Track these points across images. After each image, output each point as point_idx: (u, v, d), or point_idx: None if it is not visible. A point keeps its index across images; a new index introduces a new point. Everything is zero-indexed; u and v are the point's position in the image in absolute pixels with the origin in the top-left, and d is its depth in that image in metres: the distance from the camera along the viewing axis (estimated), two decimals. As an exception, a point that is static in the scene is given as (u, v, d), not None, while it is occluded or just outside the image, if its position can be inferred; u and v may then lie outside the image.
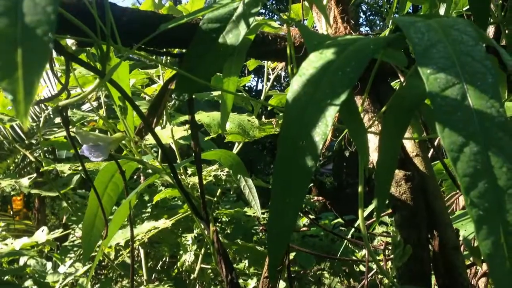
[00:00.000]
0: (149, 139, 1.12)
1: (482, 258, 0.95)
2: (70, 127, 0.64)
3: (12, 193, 1.84)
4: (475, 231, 0.35)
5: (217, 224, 2.24)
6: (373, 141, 0.80)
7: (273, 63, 1.41)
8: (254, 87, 11.97)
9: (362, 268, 2.58)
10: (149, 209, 1.90)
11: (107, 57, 0.56)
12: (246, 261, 2.11)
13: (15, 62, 0.24)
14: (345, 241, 2.06)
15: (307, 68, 0.47)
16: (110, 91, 0.72)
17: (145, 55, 0.72)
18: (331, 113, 0.42)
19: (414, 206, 0.75)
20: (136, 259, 1.93)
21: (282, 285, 1.92)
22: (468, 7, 0.95)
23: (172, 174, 0.70)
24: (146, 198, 1.96)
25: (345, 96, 0.43)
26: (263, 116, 1.51)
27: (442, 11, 0.88)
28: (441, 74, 0.39)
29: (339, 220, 2.58)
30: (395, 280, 0.76)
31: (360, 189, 0.61)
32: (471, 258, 1.02)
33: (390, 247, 0.81)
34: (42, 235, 1.68)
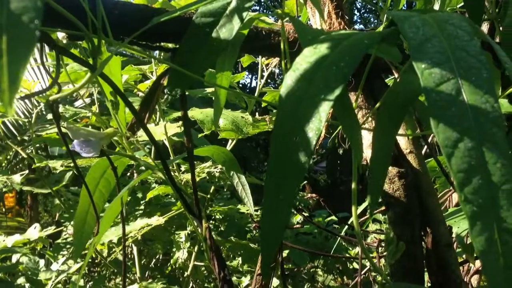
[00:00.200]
0: (142, 135, 1.11)
1: (475, 255, 0.95)
2: (61, 122, 0.63)
3: (4, 190, 1.82)
4: (469, 227, 0.34)
5: (211, 221, 2.23)
6: (367, 138, 0.79)
7: (267, 59, 1.40)
8: (248, 85, 11.98)
9: (356, 265, 2.59)
10: (142, 206, 1.89)
11: (98, 51, 0.55)
12: (240, 259, 2.11)
13: (0, 49, 0.24)
14: (339, 238, 2.07)
15: (301, 63, 0.46)
16: (102, 86, 0.71)
17: (139, 51, 0.72)
18: (325, 109, 0.42)
19: (408, 203, 0.75)
20: (129, 256, 1.92)
21: (276, 283, 1.92)
22: (462, 3, 0.95)
23: (164, 171, 0.69)
24: (139, 195, 1.95)
25: (339, 91, 0.42)
26: (257, 113, 1.50)
27: (436, 7, 0.88)
28: (435, 69, 0.39)
29: (333, 217, 2.59)
30: (388, 277, 0.76)
31: (353, 186, 0.61)
32: (464, 255, 1.03)
33: (383, 245, 0.81)
34: (34, 232, 1.67)
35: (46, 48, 0.98)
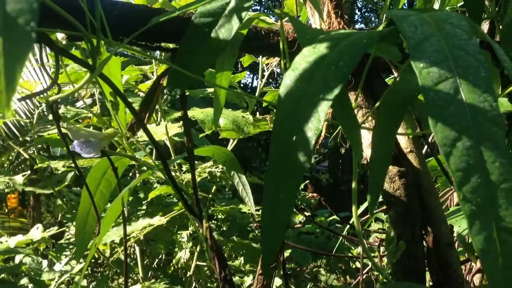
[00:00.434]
0: (143, 135, 1.11)
1: (476, 254, 0.95)
2: (62, 122, 0.63)
3: (7, 190, 1.83)
4: (467, 227, 0.34)
5: (213, 221, 2.24)
6: (366, 137, 0.79)
7: (267, 59, 1.40)
8: (250, 84, 11.97)
9: (358, 264, 2.58)
10: (144, 206, 1.89)
11: (97, 52, 0.55)
12: (242, 258, 2.11)
13: (-3, 52, 0.24)
14: (341, 238, 2.06)
15: (300, 63, 0.46)
16: (101, 86, 0.71)
17: (139, 51, 0.72)
18: (323, 108, 0.42)
19: (408, 202, 0.75)
20: (132, 256, 1.92)
21: (279, 282, 1.92)
22: (462, 2, 0.95)
23: (165, 171, 0.70)
24: (141, 195, 1.95)
25: (338, 90, 0.42)
26: (258, 113, 1.50)
27: (436, 6, 0.87)
28: (434, 68, 0.39)
29: (335, 217, 2.59)
30: (390, 276, 0.76)
31: (354, 185, 0.61)
32: (465, 254, 1.02)
33: (384, 244, 0.81)
34: (37, 232, 1.67)
35: (47, 49, 0.98)
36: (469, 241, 0.94)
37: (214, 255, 0.70)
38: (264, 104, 1.57)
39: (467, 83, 0.38)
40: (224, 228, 2.19)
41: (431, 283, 0.76)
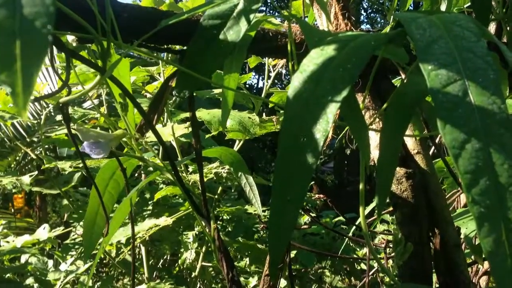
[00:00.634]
0: (150, 136, 1.12)
1: (484, 256, 0.94)
2: (71, 124, 0.64)
3: (13, 190, 1.84)
4: (476, 229, 0.34)
5: (218, 222, 2.24)
6: (374, 139, 0.79)
7: (274, 60, 1.41)
8: (255, 85, 11.98)
9: (363, 266, 2.58)
10: (150, 207, 1.90)
11: (107, 54, 0.56)
12: (247, 259, 2.11)
13: (14, 55, 0.24)
14: (346, 239, 2.06)
15: (308, 65, 0.47)
16: (111, 88, 0.72)
17: (146, 52, 0.72)
18: (332, 110, 0.42)
19: (415, 204, 0.75)
20: (137, 257, 1.93)
21: (283, 283, 1.92)
22: (469, 3, 0.95)
23: (173, 172, 0.70)
24: (147, 196, 1.96)
25: (346, 92, 0.42)
26: (264, 114, 1.51)
27: (443, 7, 0.87)
28: (442, 70, 0.39)
29: (340, 218, 2.58)
30: (396, 278, 0.76)
31: (361, 186, 0.61)
32: (472, 256, 1.02)
33: (391, 245, 0.81)
34: (43, 232, 1.68)
35: (55, 50, 0.99)
36: (476, 243, 0.94)
37: (222, 256, 0.70)
38: (270, 105, 1.57)
39: (475, 85, 0.38)
40: (230, 229, 2.20)
41: (438, 285, 0.76)
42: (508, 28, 0.82)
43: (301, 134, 0.42)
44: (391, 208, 0.80)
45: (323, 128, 0.41)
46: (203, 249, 1.83)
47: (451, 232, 0.76)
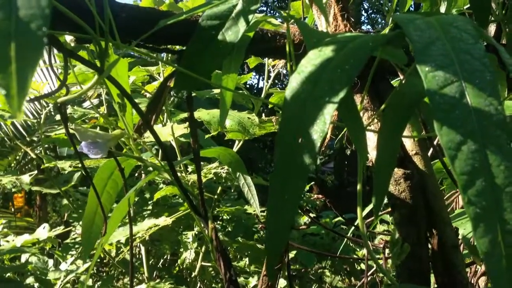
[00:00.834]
0: (149, 136, 1.12)
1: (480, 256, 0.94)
2: (69, 124, 0.64)
3: (13, 190, 1.84)
4: (472, 229, 0.35)
5: (218, 222, 2.24)
6: (372, 139, 0.79)
7: (274, 60, 1.41)
8: (256, 85, 11.98)
9: (363, 266, 2.58)
10: (150, 207, 1.90)
11: (105, 54, 0.56)
12: (247, 259, 2.11)
13: (9, 57, 0.24)
14: (346, 239, 2.06)
15: (306, 66, 0.47)
16: (109, 88, 0.72)
17: (146, 52, 0.72)
18: (329, 111, 0.42)
19: (413, 205, 0.75)
20: (137, 256, 1.93)
21: (283, 284, 1.92)
22: (469, 5, 0.95)
23: (171, 172, 0.70)
24: (147, 195, 1.96)
25: (344, 93, 0.43)
26: (263, 114, 1.51)
27: (443, 9, 0.88)
28: (439, 72, 0.39)
29: (340, 218, 2.58)
30: (394, 278, 0.76)
31: (358, 187, 0.61)
32: (471, 257, 1.02)
33: (389, 246, 0.81)
34: (43, 232, 1.68)
35: (55, 50, 0.99)
36: (474, 243, 0.94)
37: (219, 256, 0.70)
38: (270, 106, 1.57)
39: (472, 87, 0.38)
40: (229, 229, 2.20)
41: (435, 286, 0.76)
42: (507, 30, 0.82)
43: (298, 135, 0.42)
44: (390, 209, 0.80)
45: (320, 129, 0.41)
46: (203, 249, 1.83)
47: (449, 233, 0.76)
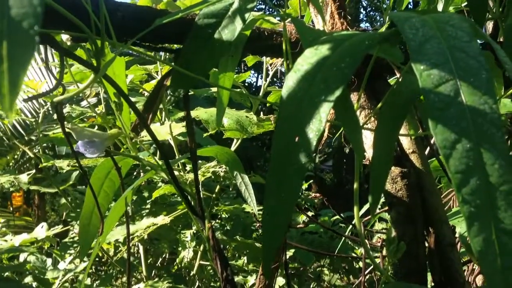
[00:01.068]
0: (147, 135, 1.12)
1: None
2: (66, 123, 0.64)
3: (12, 189, 1.84)
4: (466, 228, 0.35)
5: (217, 220, 2.24)
6: (369, 138, 0.79)
7: (271, 58, 1.40)
8: (254, 83, 11.96)
9: (362, 264, 2.58)
10: (148, 206, 1.90)
11: (101, 53, 0.56)
12: (245, 258, 2.11)
13: (0, 55, 0.24)
14: (344, 238, 2.06)
15: (302, 64, 0.47)
16: (105, 87, 0.72)
17: (143, 51, 0.72)
18: (325, 109, 0.42)
19: (410, 203, 0.75)
20: (135, 255, 1.93)
21: (282, 282, 1.92)
22: (466, 2, 0.95)
23: (168, 171, 0.70)
24: (145, 194, 1.96)
25: (340, 92, 0.43)
26: (262, 113, 1.51)
27: (440, 6, 0.87)
28: (434, 70, 0.39)
29: (338, 217, 2.59)
30: (391, 276, 0.76)
31: (355, 186, 0.61)
32: (468, 255, 1.02)
33: (385, 244, 0.81)
34: (41, 231, 1.68)
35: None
36: (471, 242, 0.94)
37: (216, 255, 0.70)
38: (269, 104, 1.57)
39: (467, 85, 0.38)
40: (228, 228, 2.20)
41: (432, 284, 0.76)
42: (504, 27, 0.82)
43: (294, 133, 0.42)
44: (387, 207, 0.80)
45: (316, 128, 0.41)
46: (201, 247, 1.83)
47: (446, 231, 0.76)
